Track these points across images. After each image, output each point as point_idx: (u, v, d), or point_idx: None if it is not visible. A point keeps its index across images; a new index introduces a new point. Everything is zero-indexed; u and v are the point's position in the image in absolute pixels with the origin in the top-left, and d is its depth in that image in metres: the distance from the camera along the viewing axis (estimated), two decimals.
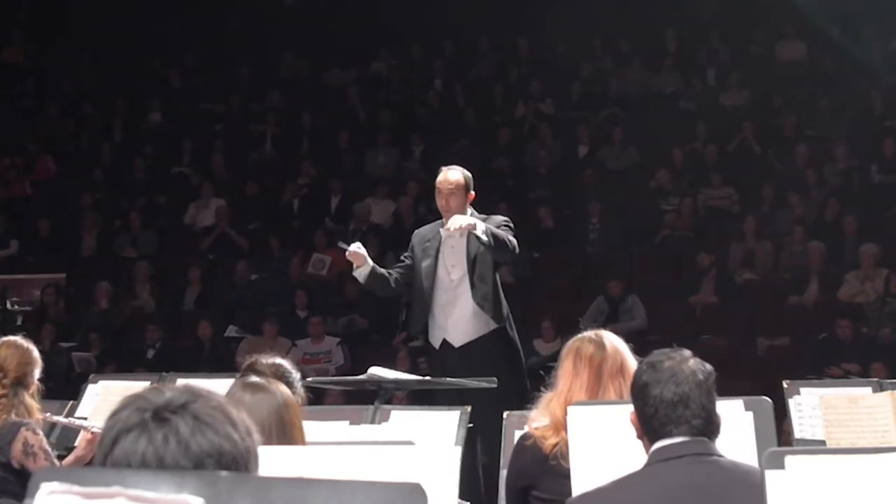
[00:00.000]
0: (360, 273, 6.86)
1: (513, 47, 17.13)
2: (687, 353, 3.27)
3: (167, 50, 17.55)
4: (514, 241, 6.71)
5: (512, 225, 6.89)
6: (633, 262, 13.49)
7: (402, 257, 7.15)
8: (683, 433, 3.13)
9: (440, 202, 6.87)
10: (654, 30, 16.53)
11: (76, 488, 1.66)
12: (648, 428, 3.18)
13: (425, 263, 6.89)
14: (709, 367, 3.24)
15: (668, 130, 14.96)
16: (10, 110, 16.99)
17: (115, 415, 1.84)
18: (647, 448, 3.21)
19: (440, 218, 7.03)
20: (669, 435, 3.14)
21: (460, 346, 6.77)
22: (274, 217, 14.77)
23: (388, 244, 13.56)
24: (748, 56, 16.46)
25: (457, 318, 6.78)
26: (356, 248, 6.87)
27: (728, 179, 14.20)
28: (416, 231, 7.16)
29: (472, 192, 6.87)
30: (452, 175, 6.83)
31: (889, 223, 13.22)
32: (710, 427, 3.16)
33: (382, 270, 7.01)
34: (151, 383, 3.31)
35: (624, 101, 15.88)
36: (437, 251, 6.86)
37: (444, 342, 6.80)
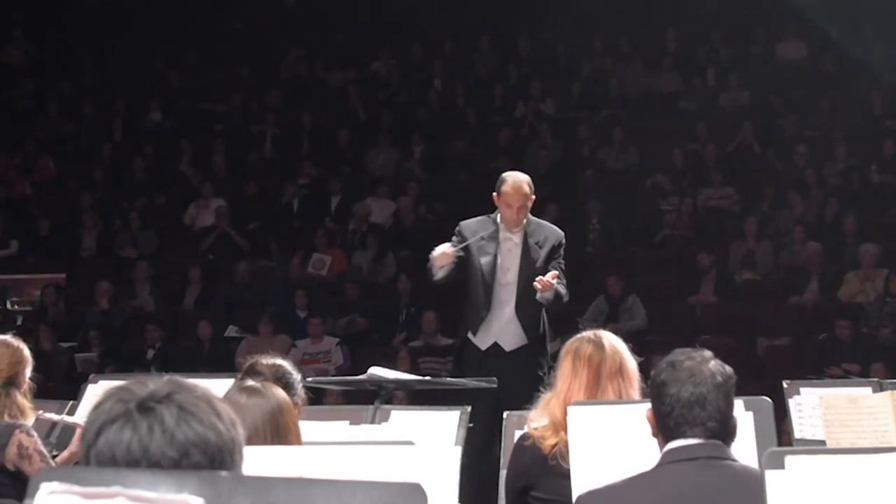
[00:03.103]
0: (444, 270, 6.72)
1: (513, 47, 17.13)
2: (708, 354, 3.23)
3: (167, 50, 17.55)
4: (565, 281, 6.74)
5: (564, 245, 6.89)
6: (633, 262, 13.49)
7: (457, 247, 6.83)
8: (698, 435, 3.11)
9: (509, 214, 6.74)
10: (654, 30, 16.53)
11: (76, 488, 1.66)
12: (663, 426, 3.16)
13: (484, 261, 6.78)
14: (729, 369, 3.20)
15: (668, 130, 14.97)
16: (10, 110, 16.99)
17: (97, 407, 1.83)
18: (661, 446, 3.19)
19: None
20: (684, 435, 3.12)
21: (510, 351, 6.73)
22: (274, 217, 14.77)
23: (388, 244, 13.58)
24: (748, 56, 16.47)
25: (508, 321, 6.75)
26: (442, 251, 6.71)
27: (728, 179, 14.20)
28: (463, 223, 6.96)
29: (535, 196, 6.87)
30: (522, 186, 6.74)
31: (889, 223, 13.22)
32: (725, 430, 3.15)
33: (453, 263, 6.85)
34: None
35: (624, 101, 15.89)
36: (496, 251, 6.79)
37: (495, 345, 6.76)
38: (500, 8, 16.88)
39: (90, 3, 17.70)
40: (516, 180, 6.75)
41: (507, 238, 6.80)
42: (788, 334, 12.01)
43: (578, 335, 4.28)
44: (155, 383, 1.83)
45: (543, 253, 6.75)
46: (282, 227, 14.54)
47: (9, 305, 13.55)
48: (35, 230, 14.81)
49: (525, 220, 6.84)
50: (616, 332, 4.39)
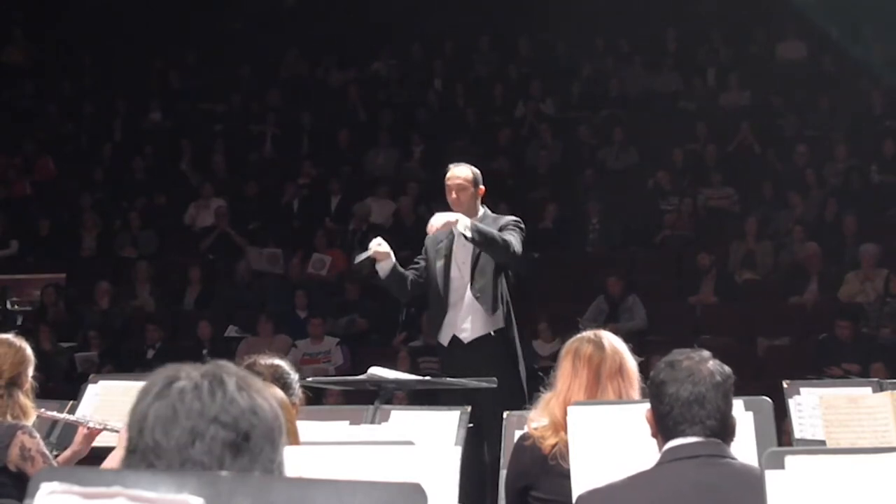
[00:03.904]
0: (383, 267, 6.88)
1: (513, 47, 17.13)
2: (706, 353, 3.25)
3: (167, 50, 17.55)
4: (515, 240, 6.72)
5: (522, 226, 6.91)
6: (633, 262, 13.49)
7: (416, 259, 7.15)
8: (697, 433, 3.12)
9: (449, 198, 6.93)
10: (654, 30, 16.54)
11: (76, 488, 1.66)
12: (662, 426, 3.17)
13: (439, 264, 6.91)
14: (727, 369, 3.21)
15: (668, 130, 14.97)
16: (10, 110, 16.99)
17: (155, 378, 1.86)
18: (660, 446, 3.19)
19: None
20: (683, 434, 3.13)
21: (469, 343, 6.77)
22: (274, 217, 14.77)
23: (388, 244, 13.55)
24: (748, 56, 16.47)
25: (465, 313, 6.80)
26: (377, 244, 6.88)
27: (728, 179, 14.21)
28: (429, 236, 7.13)
29: (482, 187, 6.91)
30: (460, 170, 6.93)
31: (889, 223, 13.22)
32: (724, 429, 3.15)
33: (403, 270, 7.02)
34: None
35: (624, 101, 15.89)
36: (450, 250, 6.88)
37: (454, 338, 6.81)
38: (500, 8, 16.89)
39: (90, 3, 17.69)
40: (455, 166, 6.99)
41: (462, 232, 6.85)
42: (788, 334, 12.01)
43: (578, 335, 4.28)
44: (206, 365, 1.89)
45: None
46: (282, 227, 14.54)
47: (9, 305, 13.55)
48: (35, 230, 14.81)
49: (481, 214, 6.92)
50: (616, 332, 4.38)
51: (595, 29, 16.71)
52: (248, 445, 1.80)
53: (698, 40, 16.67)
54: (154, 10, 17.42)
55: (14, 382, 5.01)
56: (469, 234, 6.59)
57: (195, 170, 15.76)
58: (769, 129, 15.01)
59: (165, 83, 17.31)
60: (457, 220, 6.60)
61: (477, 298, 6.76)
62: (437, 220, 6.64)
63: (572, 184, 14.65)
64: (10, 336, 5.18)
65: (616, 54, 16.76)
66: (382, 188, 14.67)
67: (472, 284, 6.77)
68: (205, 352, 11.14)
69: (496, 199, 12.93)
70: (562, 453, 3.96)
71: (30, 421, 5.01)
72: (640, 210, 14.12)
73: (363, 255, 6.95)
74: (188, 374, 1.84)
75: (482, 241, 6.64)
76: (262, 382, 1.92)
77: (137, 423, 1.83)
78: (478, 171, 6.97)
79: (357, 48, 17.34)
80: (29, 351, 5.15)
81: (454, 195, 6.88)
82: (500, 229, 6.81)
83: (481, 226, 6.66)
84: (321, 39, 17.37)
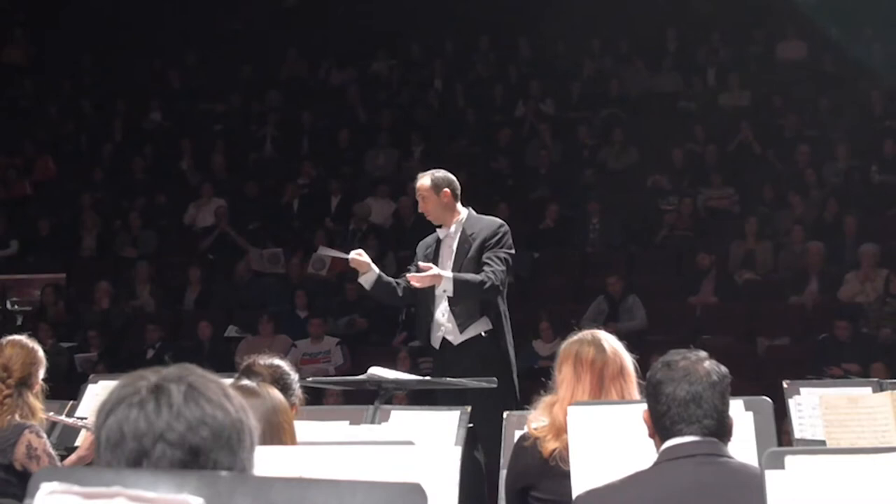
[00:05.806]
0: (366, 280, 6.87)
1: (513, 47, 17.13)
2: (703, 353, 3.25)
3: (167, 50, 17.56)
4: (496, 270, 6.73)
5: (503, 233, 6.88)
6: (633, 262, 13.49)
7: (408, 267, 7.17)
8: (694, 433, 3.12)
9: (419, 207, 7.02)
10: (654, 30, 16.54)
11: (76, 488, 1.66)
12: (660, 426, 3.17)
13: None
14: (724, 369, 3.22)
15: (668, 130, 14.96)
16: (9, 110, 16.99)
17: (111, 392, 1.86)
18: (657, 446, 3.19)
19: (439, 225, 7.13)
20: (680, 434, 3.13)
21: (458, 344, 6.78)
22: (274, 217, 14.77)
23: (388, 244, 13.57)
24: (748, 56, 16.47)
25: (448, 314, 6.80)
26: (356, 254, 6.88)
27: (728, 179, 14.20)
28: (419, 242, 7.19)
29: (447, 190, 6.89)
30: (422, 180, 6.95)
31: (889, 223, 13.22)
32: (721, 428, 3.15)
33: (389, 279, 7.03)
34: None
35: (624, 101, 15.89)
36: (437, 254, 6.90)
37: (444, 341, 6.82)
38: (500, 8, 16.88)
39: (90, 3, 17.69)
40: (421, 175, 7.02)
41: (446, 235, 6.92)
42: (788, 334, 12.01)
43: (576, 337, 4.25)
44: (168, 369, 1.87)
45: (475, 244, 6.84)
46: (282, 227, 14.54)
47: (9, 305, 13.54)
48: (35, 230, 14.81)
49: (463, 216, 6.94)
50: (616, 332, 4.37)
51: (595, 29, 16.71)
52: (199, 461, 1.79)
53: (698, 40, 16.67)
54: (154, 10, 17.42)
55: (24, 382, 5.04)
56: (452, 295, 6.69)
57: (195, 170, 15.76)
58: (769, 129, 15.01)
59: (165, 83, 17.31)
60: (439, 279, 6.65)
61: (453, 312, 6.78)
62: (418, 280, 6.66)
63: (572, 184, 14.65)
64: (22, 337, 5.21)
65: (616, 54, 16.76)
66: (382, 188, 14.68)
67: (449, 299, 6.77)
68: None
69: (496, 199, 12.97)
70: (562, 456, 3.95)
71: (37, 421, 5.02)
72: (640, 210, 14.13)
73: (327, 252, 6.96)
74: (137, 387, 1.82)
75: (465, 295, 6.71)
76: (226, 385, 1.89)
77: (96, 442, 1.84)
78: (442, 176, 6.91)
79: (357, 48, 17.34)
80: (41, 353, 5.18)
81: (422, 205, 6.94)
82: (484, 245, 6.81)
83: (460, 278, 6.68)
84: (321, 39, 17.37)
